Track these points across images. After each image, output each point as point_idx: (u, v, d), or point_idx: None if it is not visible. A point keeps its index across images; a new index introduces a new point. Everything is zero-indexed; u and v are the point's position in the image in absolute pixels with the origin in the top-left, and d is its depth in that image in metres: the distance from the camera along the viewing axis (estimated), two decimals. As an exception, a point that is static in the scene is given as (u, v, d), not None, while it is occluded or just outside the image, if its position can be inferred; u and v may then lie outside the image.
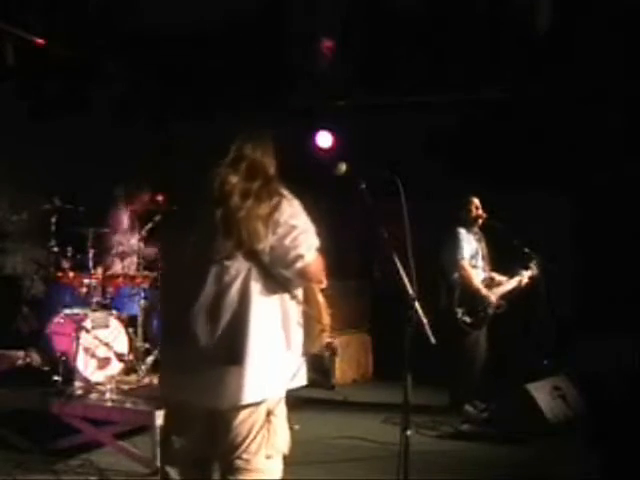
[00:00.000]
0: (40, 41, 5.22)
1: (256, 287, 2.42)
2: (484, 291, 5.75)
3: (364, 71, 6.84)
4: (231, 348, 2.40)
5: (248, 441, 2.44)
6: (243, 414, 2.43)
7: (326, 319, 2.64)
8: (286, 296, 2.52)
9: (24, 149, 6.33)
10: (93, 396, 4.66)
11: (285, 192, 2.50)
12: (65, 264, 5.41)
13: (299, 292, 2.60)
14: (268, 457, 2.48)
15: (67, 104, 6.56)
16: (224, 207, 2.38)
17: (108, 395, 4.61)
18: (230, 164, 2.45)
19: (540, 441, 4.95)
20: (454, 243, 5.77)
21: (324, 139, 7.93)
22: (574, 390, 5.49)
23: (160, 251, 2.86)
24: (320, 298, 2.67)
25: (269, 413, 2.47)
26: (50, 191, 5.63)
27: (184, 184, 2.67)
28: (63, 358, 4.74)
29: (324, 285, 2.71)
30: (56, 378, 4.67)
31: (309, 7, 6.28)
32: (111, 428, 4.45)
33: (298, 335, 2.57)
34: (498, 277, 5.96)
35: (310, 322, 2.60)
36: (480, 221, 5.89)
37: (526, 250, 5.84)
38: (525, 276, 5.87)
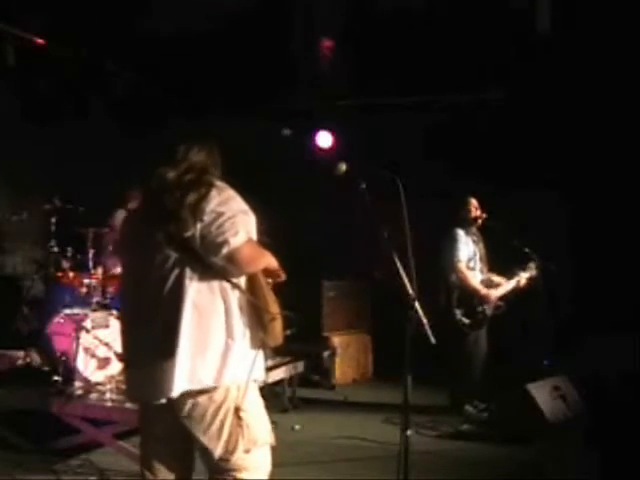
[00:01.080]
0: (40, 41, 5.21)
1: (192, 276, 2.44)
2: (483, 292, 5.75)
3: (364, 71, 6.84)
4: (165, 339, 2.42)
5: (221, 441, 2.47)
6: (200, 410, 2.46)
7: (274, 307, 2.60)
8: (227, 286, 2.50)
9: (24, 149, 6.33)
10: (93, 396, 4.65)
11: (218, 183, 2.54)
12: (65, 264, 5.41)
13: (241, 282, 2.57)
14: (247, 451, 2.51)
15: (67, 104, 6.56)
16: (160, 202, 2.46)
17: (108, 395, 4.61)
18: (173, 165, 2.54)
19: (540, 441, 4.95)
20: (452, 245, 5.76)
21: (324, 139, 7.92)
22: (574, 390, 5.49)
23: (119, 249, 2.94)
24: (265, 286, 2.63)
25: (237, 409, 2.48)
26: (50, 191, 5.63)
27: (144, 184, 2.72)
28: (63, 358, 4.74)
29: (282, 278, 2.76)
30: (56, 378, 4.66)
31: (309, 7, 6.28)
32: (111, 428, 4.45)
33: (240, 325, 2.53)
34: (496, 278, 5.96)
35: (260, 313, 2.57)
36: (479, 222, 5.89)
37: (526, 250, 5.84)
38: (523, 277, 5.87)
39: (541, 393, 5.29)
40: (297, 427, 5.51)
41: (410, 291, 2.81)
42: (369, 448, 4.98)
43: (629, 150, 6.59)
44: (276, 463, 4.64)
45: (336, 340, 7.31)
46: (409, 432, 2.83)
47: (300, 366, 6.33)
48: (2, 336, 5.47)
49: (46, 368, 4.97)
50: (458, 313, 5.68)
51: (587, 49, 6.13)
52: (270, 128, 7.91)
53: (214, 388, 2.47)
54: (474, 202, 5.91)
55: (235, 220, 2.46)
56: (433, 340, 2.77)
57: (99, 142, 6.80)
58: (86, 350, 4.83)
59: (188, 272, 2.44)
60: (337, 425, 5.61)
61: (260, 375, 2.65)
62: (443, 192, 6.31)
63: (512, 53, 6.31)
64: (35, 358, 5.22)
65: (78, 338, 4.73)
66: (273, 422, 5.42)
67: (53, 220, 5.52)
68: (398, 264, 2.85)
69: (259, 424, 2.59)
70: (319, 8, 6.34)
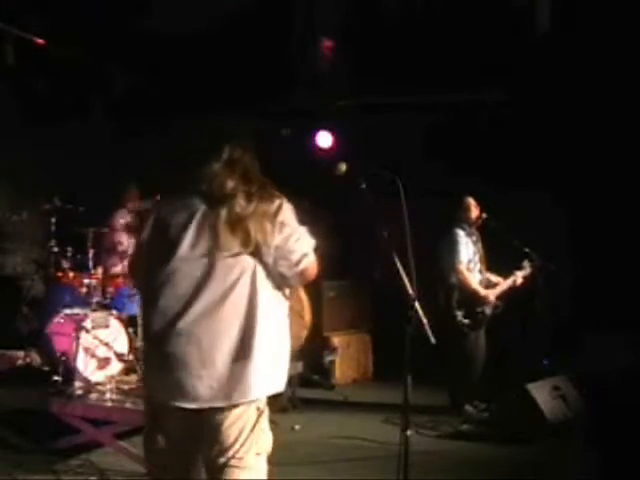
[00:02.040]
0: (40, 41, 5.21)
1: (262, 285, 2.43)
2: (482, 292, 5.76)
3: (364, 71, 6.84)
4: (239, 347, 2.38)
5: (241, 440, 2.43)
6: (236, 413, 2.42)
7: (308, 316, 2.62)
8: (280, 295, 2.55)
9: (24, 149, 6.33)
10: (93, 396, 4.65)
11: (280, 195, 2.55)
12: (65, 264, 5.41)
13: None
14: (258, 454, 2.50)
15: (67, 104, 6.56)
16: (228, 208, 2.40)
17: (108, 395, 4.61)
18: (224, 167, 2.50)
19: (540, 441, 4.95)
20: (452, 246, 5.76)
21: (324, 139, 7.93)
22: (574, 390, 5.49)
23: (142, 249, 2.61)
24: (304, 296, 2.65)
25: (260, 413, 2.49)
26: (50, 191, 5.64)
27: (170, 182, 2.66)
28: (63, 358, 4.74)
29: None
30: (56, 378, 4.66)
31: (309, 7, 6.28)
32: (111, 428, 4.45)
33: (288, 332, 2.58)
34: (494, 278, 5.97)
35: (293, 318, 2.65)
36: (478, 222, 5.89)
37: (526, 250, 5.84)
38: (519, 276, 5.88)
39: (541, 393, 5.29)
40: (297, 427, 5.51)
41: (410, 291, 2.81)
42: (369, 448, 4.98)
43: (629, 149, 6.59)
44: (276, 463, 4.66)
45: (336, 340, 7.31)
46: (409, 432, 2.83)
47: (300, 366, 6.33)
48: (2, 336, 5.47)
49: (46, 368, 4.97)
50: (459, 314, 5.68)
51: (587, 49, 6.13)
52: (270, 128, 7.92)
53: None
54: (473, 202, 5.92)
55: (307, 236, 2.55)
56: (433, 340, 2.77)
57: (99, 142, 6.80)
58: (86, 350, 4.83)
59: (259, 281, 2.43)
60: (337, 425, 5.61)
61: (283, 381, 2.61)
62: (443, 192, 6.31)
63: (512, 52, 6.31)
64: (35, 358, 5.22)
65: (78, 338, 4.74)
66: (273, 422, 5.46)
67: (53, 220, 5.52)
68: (398, 264, 2.85)
69: (269, 431, 2.60)
70: (319, 8, 6.34)
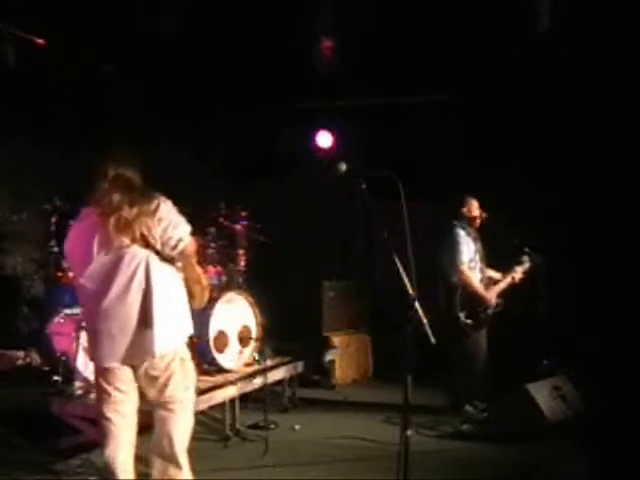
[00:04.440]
0: (40, 41, 5.21)
1: (156, 267, 3.24)
2: (484, 293, 5.75)
3: (364, 71, 6.84)
4: (143, 316, 3.19)
5: (172, 382, 3.29)
6: (165, 364, 3.25)
7: (204, 281, 3.56)
8: (174, 269, 3.35)
9: (24, 149, 6.33)
10: (93, 396, 4.63)
11: (158, 195, 3.28)
12: (65, 264, 5.40)
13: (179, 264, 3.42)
14: (186, 389, 3.36)
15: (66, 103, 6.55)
16: (116, 216, 3.19)
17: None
18: (110, 184, 3.26)
19: (540, 441, 4.95)
20: (453, 247, 5.75)
21: (324, 139, 7.93)
22: (574, 390, 5.49)
23: (71, 258, 3.49)
24: (198, 268, 3.55)
25: (182, 360, 3.33)
26: (50, 191, 5.63)
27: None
28: (63, 358, 4.73)
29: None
30: (56, 378, 4.66)
31: (310, 7, 6.28)
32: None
33: (183, 296, 3.40)
34: (494, 274, 5.97)
35: (191, 285, 3.46)
36: (479, 221, 5.89)
37: (526, 249, 5.84)
38: (519, 271, 5.88)
39: (541, 393, 5.29)
40: (297, 427, 5.51)
41: (410, 291, 2.82)
42: (369, 448, 4.98)
43: (629, 149, 6.59)
44: (276, 463, 4.67)
45: (336, 340, 7.31)
46: (409, 432, 2.84)
47: (300, 366, 6.34)
48: (2, 336, 5.47)
49: (46, 368, 4.97)
50: (461, 315, 5.68)
51: (587, 48, 6.13)
52: (270, 128, 7.93)
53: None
54: (474, 202, 5.91)
55: (182, 224, 3.31)
56: (433, 340, 2.78)
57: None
58: (86, 350, 4.82)
59: (152, 264, 3.23)
60: (337, 425, 5.61)
61: (191, 330, 3.44)
62: (443, 192, 6.31)
63: (512, 53, 6.30)
64: (35, 358, 5.22)
65: (78, 338, 4.72)
66: (273, 422, 5.48)
67: (53, 220, 5.52)
68: (398, 264, 2.85)
69: (192, 369, 3.44)
70: (319, 8, 6.33)
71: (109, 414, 3.35)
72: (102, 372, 3.35)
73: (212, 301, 5.48)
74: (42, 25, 5.24)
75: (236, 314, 5.74)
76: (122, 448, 3.36)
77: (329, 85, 7.16)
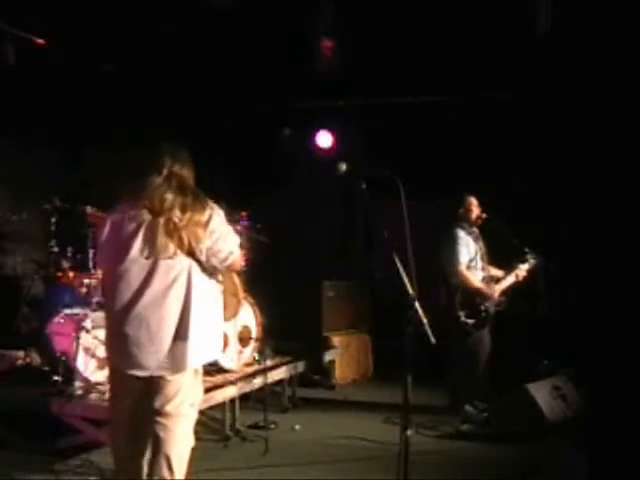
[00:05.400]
0: (40, 41, 5.21)
1: (197, 278, 3.05)
2: (485, 290, 5.75)
3: (364, 71, 6.84)
4: (179, 328, 3.00)
5: (179, 394, 3.04)
6: (178, 376, 3.03)
7: (241, 294, 3.53)
8: (214, 282, 3.17)
9: (24, 149, 6.33)
10: (93, 396, 4.65)
11: (212, 204, 3.11)
12: (65, 264, 5.40)
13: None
14: (192, 405, 3.11)
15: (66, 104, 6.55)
16: (166, 218, 2.99)
17: (108, 395, 4.60)
18: (164, 181, 3.06)
19: (540, 441, 4.95)
20: (452, 248, 5.75)
21: (324, 139, 7.93)
22: (574, 390, 5.49)
23: (102, 249, 3.24)
24: (236, 279, 3.53)
25: (196, 372, 3.12)
26: (50, 191, 5.63)
27: (121, 192, 3.18)
28: (63, 358, 4.73)
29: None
30: (56, 378, 4.66)
31: (310, 7, 6.28)
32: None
33: (220, 312, 3.23)
34: (496, 272, 5.97)
35: (227, 297, 3.32)
36: (479, 221, 5.89)
37: (526, 249, 5.84)
38: (523, 270, 5.86)
39: (541, 393, 5.30)
40: (297, 427, 5.51)
41: (410, 291, 2.81)
42: (369, 448, 4.98)
43: (629, 149, 6.59)
44: (276, 463, 4.67)
45: (336, 340, 7.31)
46: (409, 432, 2.84)
47: (300, 366, 6.34)
48: (2, 336, 5.47)
49: (46, 368, 4.97)
50: (462, 315, 5.67)
51: (587, 48, 6.13)
52: (270, 128, 7.93)
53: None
54: (474, 201, 5.91)
55: (233, 236, 3.17)
56: (433, 340, 2.77)
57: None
58: (86, 350, 4.82)
59: (194, 275, 3.03)
60: (337, 425, 5.61)
61: (219, 352, 3.31)
62: (443, 192, 6.31)
63: (512, 53, 6.30)
64: (35, 358, 5.22)
65: (78, 338, 4.73)
66: (273, 422, 5.48)
67: (53, 220, 5.51)
68: (398, 264, 2.85)
69: (201, 385, 3.21)
70: (319, 8, 6.33)
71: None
72: (120, 375, 3.11)
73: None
74: (42, 25, 5.24)
75: (236, 314, 5.74)
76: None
77: (329, 85, 7.16)
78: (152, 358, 3.00)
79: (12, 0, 5.05)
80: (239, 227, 6.21)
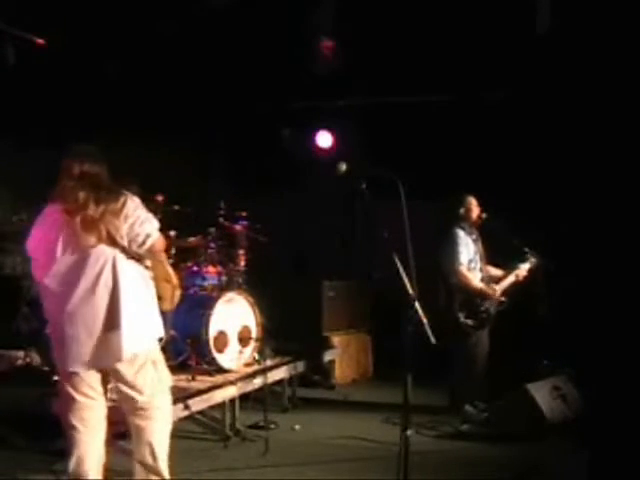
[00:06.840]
0: (40, 41, 5.21)
1: (123, 266, 3.16)
2: (486, 289, 5.74)
3: (364, 71, 6.84)
4: (110, 317, 3.11)
5: (147, 388, 3.22)
6: (134, 368, 3.19)
7: (175, 280, 3.44)
8: (142, 268, 3.27)
9: (24, 149, 6.32)
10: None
11: (125, 192, 3.23)
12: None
13: (149, 264, 3.35)
14: (162, 393, 3.29)
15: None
16: (82, 215, 3.12)
17: (108, 395, 4.59)
18: (76, 182, 3.21)
19: (540, 441, 4.95)
20: (452, 248, 5.75)
21: (324, 139, 7.93)
22: (574, 390, 5.49)
23: (34, 262, 3.34)
24: (168, 266, 3.46)
25: (154, 362, 3.26)
26: (50, 191, 5.61)
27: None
28: (63, 358, 4.72)
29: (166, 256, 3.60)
30: (56, 378, 4.65)
31: (310, 7, 6.28)
32: (111, 428, 4.43)
33: (152, 296, 3.31)
34: (495, 271, 5.96)
35: (161, 285, 3.39)
36: (479, 221, 5.88)
37: (526, 249, 5.84)
38: (523, 269, 5.86)
39: (541, 393, 5.29)
40: (297, 427, 5.51)
41: (410, 291, 2.82)
42: (369, 448, 4.98)
43: (630, 148, 6.58)
44: (276, 463, 4.67)
45: (336, 340, 7.31)
46: (409, 432, 2.84)
47: (300, 366, 6.33)
48: (2, 336, 5.46)
49: (46, 368, 4.96)
50: (461, 316, 5.67)
51: (587, 48, 6.13)
52: (270, 128, 7.92)
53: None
54: (474, 201, 5.91)
55: (150, 220, 3.24)
56: (433, 340, 2.78)
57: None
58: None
59: (119, 263, 3.15)
60: (337, 425, 5.61)
61: (161, 332, 3.37)
62: (443, 192, 6.30)
63: (512, 53, 6.30)
64: (35, 358, 5.21)
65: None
66: (273, 422, 5.48)
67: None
68: (398, 264, 2.85)
69: (166, 371, 3.37)
70: (319, 7, 6.33)
71: (75, 422, 3.30)
72: (68, 377, 3.28)
73: (212, 301, 5.50)
74: (42, 25, 5.24)
75: (236, 314, 5.74)
76: (89, 458, 3.29)
77: (329, 85, 7.16)
78: (92, 351, 3.14)
79: (12, 0, 5.05)
80: (239, 227, 6.22)
